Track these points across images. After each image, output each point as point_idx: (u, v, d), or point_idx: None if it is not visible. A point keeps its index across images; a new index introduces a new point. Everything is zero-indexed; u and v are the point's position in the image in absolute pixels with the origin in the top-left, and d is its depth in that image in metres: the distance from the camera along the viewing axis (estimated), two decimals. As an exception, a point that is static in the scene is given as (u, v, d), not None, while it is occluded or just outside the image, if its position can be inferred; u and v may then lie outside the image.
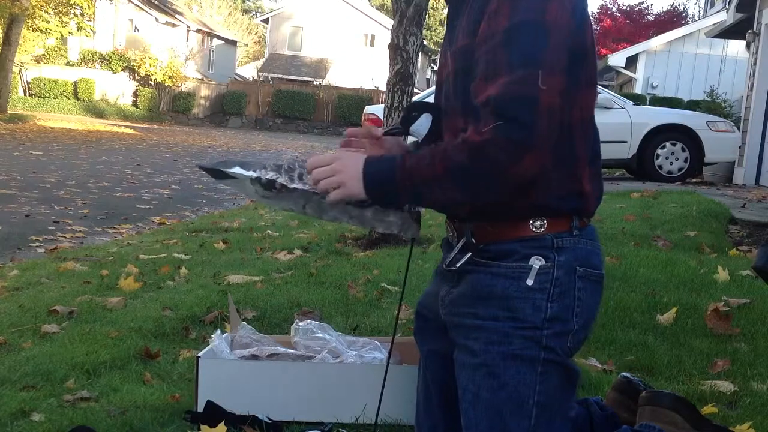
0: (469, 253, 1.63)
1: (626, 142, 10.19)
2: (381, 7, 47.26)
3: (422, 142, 1.78)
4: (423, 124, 1.76)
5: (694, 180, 10.41)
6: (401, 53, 5.06)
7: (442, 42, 1.76)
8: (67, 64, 33.60)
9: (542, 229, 1.58)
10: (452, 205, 1.54)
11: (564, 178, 1.57)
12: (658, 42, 21.51)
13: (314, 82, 38.40)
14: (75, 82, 32.44)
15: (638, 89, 20.76)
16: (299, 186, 1.70)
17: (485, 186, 1.49)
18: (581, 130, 1.58)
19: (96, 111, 31.70)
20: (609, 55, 23.59)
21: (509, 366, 1.56)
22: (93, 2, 27.41)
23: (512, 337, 1.56)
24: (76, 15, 26.66)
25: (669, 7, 38.82)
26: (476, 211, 1.61)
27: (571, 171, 1.58)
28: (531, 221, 1.58)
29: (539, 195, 1.56)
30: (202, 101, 35.10)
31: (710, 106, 14.45)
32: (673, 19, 34.99)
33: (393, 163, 1.53)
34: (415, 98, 5.83)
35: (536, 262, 1.56)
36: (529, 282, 1.56)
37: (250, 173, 1.78)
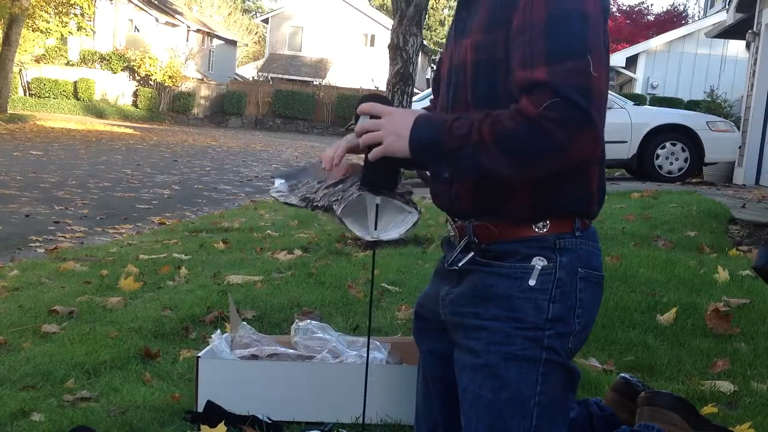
0: (471, 253, 1.62)
1: (626, 142, 10.19)
2: (381, 7, 47.26)
3: None
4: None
5: (694, 180, 10.42)
6: (401, 53, 5.07)
7: (447, 35, 1.75)
8: (67, 64, 33.60)
9: (545, 230, 1.57)
10: (496, 174, 1.49)
11: (580, 174, 1.57)
12: (658, 42, 21.52)
13: (314, 82, 38.41)
14: (75, 82, 32.44)
15: (638, 89, 20.78)
16: (294, 202, 1.79)
17: (535, 159, 1.46)
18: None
19: (96, 111, 31.70)
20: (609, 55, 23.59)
21: (511, 366, 1.56)
22: (93, 2, 27.41)
23: (514, 338, 1.56)
24: (76, 15, 26.67)
25: (669, 7, 38.84)
26: (483, 208, 1.60)
27: (585, 169, 1.58)
28: (533, 223, 1.58)
29: (551, 191, 1.55)
30: (202, 101, 35.10)
31: (710, 106, 14.47)
32: (673, 19, 35.00)
33: (441, 126, 1.51)
34: (415, 98, 5.83)
35: (538, 263, 1.56)
36: (531, 282, 1.56)
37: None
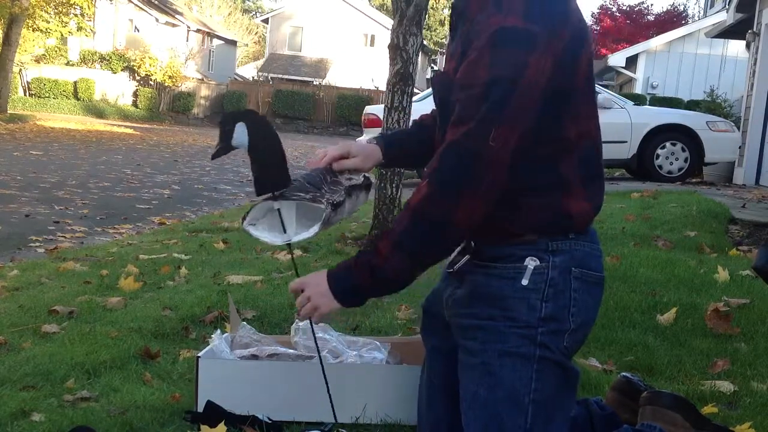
0: (468, 255, 1.66)
1: (626, 142, 10.19)
2: (381, 7, 47.25)
3: (251, 150, 1.81)
4: (240, 135, 1.79)
5: (694, 180, 10.41)
6: (401, 53, 5.06)
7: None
8: (67, 64, 33.59)
9: (535, 236, 1.60)
10: (401, 278, 1.58)
11: (546, 205, 1.60)
12: (658, 42, 21.52)
13: (314, 82, 38.40)
14: (75, 82, 32.43)
15: (638, 89, 20.77)
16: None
17: (426, 243, 1.53)
18: (564, 158, 1.60)
19: (96, 111, 31.69)
20: (609, 55, 23.60)
21: (505, 364, 1.58)
22: (93, 2, 27.41)
23: (508, 336, 1.59)
24: (76, 15, 26.67)
25: (669, 7, 38.82)
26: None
27: (555, 198, 1.60)
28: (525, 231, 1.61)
29: (521, 222, 1.59)
30: (202, 101, 35.10)
31: (710, 106, 14.45)
32: (673, 19, 34.99)
33: (349, 268, 1.60)
34: (415, 98, 5.83)
35: (531, 263, 1.59)
36: (524, 282, 1.59)
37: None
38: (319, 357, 2.10)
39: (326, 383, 2.03)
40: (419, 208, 1.53)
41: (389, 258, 1.54)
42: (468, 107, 1.50)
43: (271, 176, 1.79)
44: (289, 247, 1.83)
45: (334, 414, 2.10)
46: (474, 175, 1.49)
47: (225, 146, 1.80)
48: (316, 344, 2.07)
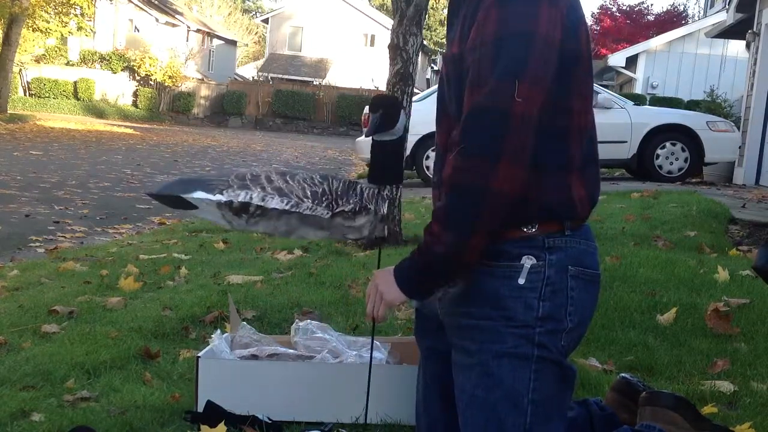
0: None
1: (626, 142, 10.19)
2: (381, 7, 47.25)
3: (396, 140, 1.81)
4: (402, 122, 1.81)
5: (694, 180, 10.41)
6: (401, 53, 5.06)
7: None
8: (67, 64, 33.59)
9: (534, 230, 1.59)
10: (458, 254, 1.51)
11: (553, 185, 1.58)
12: (658, 42, 21.52)
13: (314, 82, 38.40)
14: (75, 82, 32.43)
15: (638, 89, 20.77)
16: (274, 205, 1.78)
17: (472, 215, 1.49)
18: (573, 136, 1.59)
19: (96, 111, 31.69)
20: (609, 55, 23.60)
21: (503, 364, 1.57)
22: (93, 2, 27.41)
23: (505, 336, 1.58)
24: (76, 15, 26.67)
25: (669, 7, 38.80)
26: None
27: (562, 178, 1.59)
28: (521, 225, 1.59)
29: (529, 204, 1.57)
30: (202, 101, 35.09)
31: (710, 106, 14.46)
32: (673, 19, 34.98)
33: (411, 256, 1.60)
34: (414, 98, 5.82)
35: (527, 262, 1.58)
36: (521, 281, 1.57)
37: (217, 197, 1.75)
38: (371, 360, 2.11)
39: (368, 383, 2.06)
40: (454, 181, 1.48)
41: (441, 237, 1.51)
42: (482, 66, 1.48)
43: (391, 170, 1.80)
44: (380, 244, 1.87)
45: (366, 413, 2.11)
46: (504, 136, 1.45)
47: (384, 129, 1.77)
48: (371, 347, 2.07)
